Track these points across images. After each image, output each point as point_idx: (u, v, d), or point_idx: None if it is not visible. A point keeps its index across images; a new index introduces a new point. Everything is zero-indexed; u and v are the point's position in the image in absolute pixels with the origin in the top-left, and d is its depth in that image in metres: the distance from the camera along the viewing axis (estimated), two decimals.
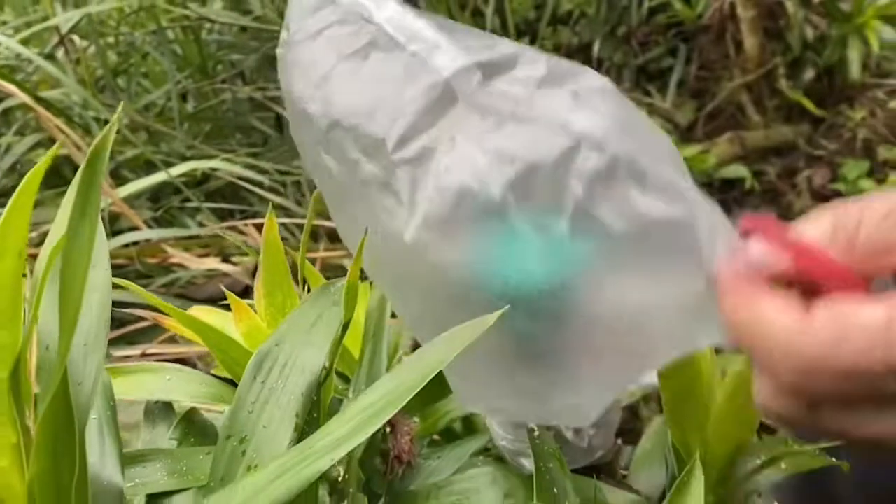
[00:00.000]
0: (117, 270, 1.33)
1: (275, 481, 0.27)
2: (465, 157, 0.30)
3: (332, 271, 1.28)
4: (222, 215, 1.62)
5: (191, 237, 1.38)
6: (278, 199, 1.47)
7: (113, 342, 1.10)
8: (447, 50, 0.31)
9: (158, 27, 1.83)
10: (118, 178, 1.51)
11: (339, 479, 0.42)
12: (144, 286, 1.26)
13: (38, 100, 1.37)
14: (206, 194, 1.59)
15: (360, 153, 0.32)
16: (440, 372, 0.50)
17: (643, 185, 0.28)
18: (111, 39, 1.93)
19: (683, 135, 2.08)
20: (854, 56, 1.99)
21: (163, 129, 1.70)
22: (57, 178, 1.34)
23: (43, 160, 0.25)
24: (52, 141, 1.40)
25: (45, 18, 1.72)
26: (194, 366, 0.78)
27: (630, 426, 1.32)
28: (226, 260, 1.36)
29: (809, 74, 2.09)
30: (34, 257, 0.25)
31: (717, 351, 0.44)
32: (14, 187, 0.24)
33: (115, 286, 0.30)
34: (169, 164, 1.44)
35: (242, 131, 1.91)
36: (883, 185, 1.96)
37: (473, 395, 0.43)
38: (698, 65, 2.22)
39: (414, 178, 0.31)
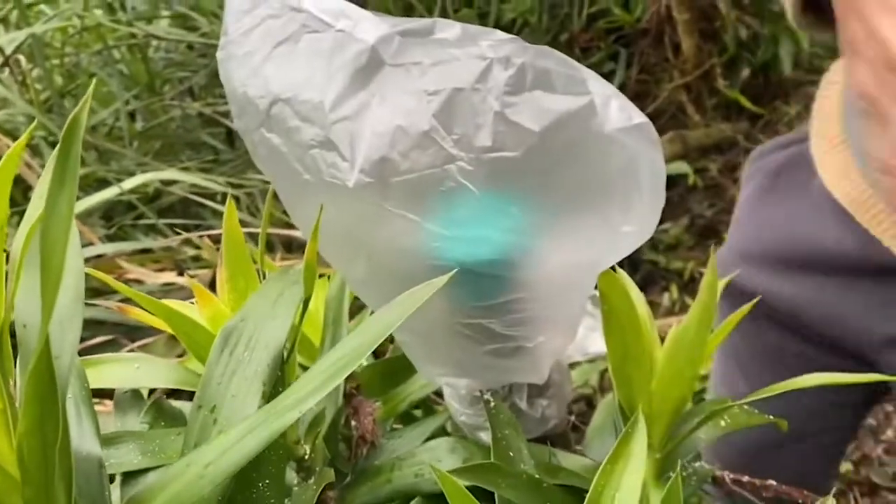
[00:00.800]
0: None
1: (244, 437, 0.29)
2: (395, 104, 0.33)
3: None
4: (176, 230, 1.61)
5: (145, 251, 1.38)
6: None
7: None
8: (370, 22, 0.34)
9: (104, 46, 1.83)
10: None
11: (306, 457, 0.44)
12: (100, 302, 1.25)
13: None
14: (159, 210, 1.59)
15: (300, 120, 0.35)
16: (401, 358, 0.53)
17: (550, 87, 0.32)
18: (56, 61, 1.92)
19: None
20: (786, 54, 2.07)
21: (112, 148, 1.70)
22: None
23: (6, 157, 0.26)
24: None
25: None
26: None
27: (588, 419, 1.36)
28: (181, 273, 1.36)
29: (745, 73, 2.17)
30: None
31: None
32: None
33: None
34: (120, 182, 1.45)
35: (193, 147, 1.91)
36: None
37: (430, 364, 0.46)
38: (639, 68, 2.28)
39: (352, 132, 0.33)
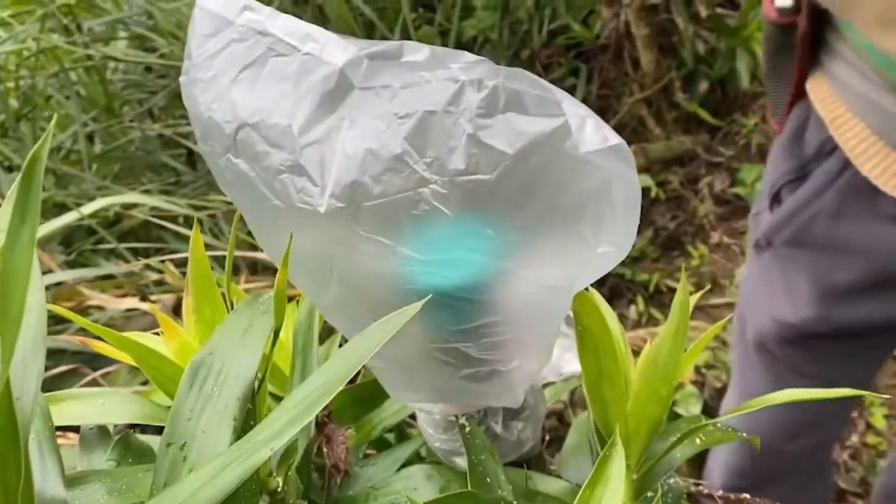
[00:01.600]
0: None
1: (217, 476, 0.28)
2: (365, 127, 0.32)
3: None
4: (137, 255, 1.59)
5: (106, 277, 1.36)
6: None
7: None
8: (338, 45, 0.34)
9: (61, 69, 1.80)
10: None
11: (279, 489, 0.43)
12: (61, 331, 1.23)
13: None
14: (120, 235, 1.57)
15: (269, 145, 0.34)
16: (372, 383, 0.52)
17: (523, 109, 0.31)
18: (11, 84, 1.88)
19: None
20: (743, 67, 2.11)
21: (71, 172, 1.67)
22: None
23: None
24: None
25: None
26: None
27: (560, 434, 1.35)
28: (144, 298, 1.34)
29: (703, 86, 2.20)
30: None
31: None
32: None
33: None
34: (79, 206, 1.42)
35: (153, 169, 1.88)
36: None
37: (405, 391, 0.45)
38: (599, 83, 2.30)
39: (322, 156, 0.33)
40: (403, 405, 0.54)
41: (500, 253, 0.33)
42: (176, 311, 1.32)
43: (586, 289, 0.42)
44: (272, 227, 0.36)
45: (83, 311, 1.32)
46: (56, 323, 1.35)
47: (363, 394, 0.55)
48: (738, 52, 2.14)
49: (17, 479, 0.24)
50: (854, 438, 1.62)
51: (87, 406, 0.40)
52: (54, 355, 1.09)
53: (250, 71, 0.35)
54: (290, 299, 0.52)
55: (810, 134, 0.80)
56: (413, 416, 0.55)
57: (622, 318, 1.86)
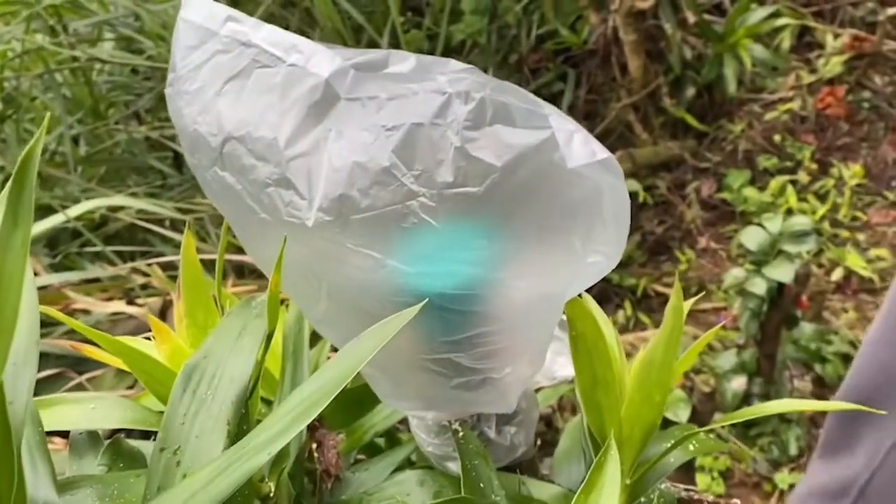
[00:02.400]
0: None
1: (211, 482, 0.27)
2: (352, 139, 0.32)
3: None
4: (124, 258, 1.58)
5: (92, 280, 1.35)
6: (180, 237, 1.45)
7: None
8: (324, 56, 0.34)
9: (46, 70, 1.78)
10: None
11: (271, 494, 0.43)
12: (45, 335, 1.21)
13: None
14: (106, 238, 1.55)
15: (255, 158, 0.34)
16: (363, 387, 0.52)
17: (511, 121, 0.31)
18: None
19: None
20: (730, 73, 2.12)
21: (56, 174, 1.65)
22: None
23: None
24: None
25: None
26: None
27: (548, 438, 1.35)
28: (131, 302, 1.33)
29: (691, 92, 2.21)
30: None
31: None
32: None
33: None
34: (65, 209, 1.41)
35: (139, 172, 1.87)
36: (764, 192, 2.09)
37: (398, 399, 0.45)
38: (587, 88, 2.31)
39: (309, 169, 0.33)
40: (394, 410, 0.54)
41: (489, 264, 0.33)
42: (163, 314, 1.30)
43: (580, 295, 0.42)
44: (260, 239, 0.36)
45: (69, 314, 1.31)
46: (42, 325, 1.33)
47: (354, 398, 0.54)
48: (726, 59, 2.15)
49: (10, 484, 0.24)
50: None
51: (77, 411, 0.40)
52: (39, 359, 1.08)
53: (235, 83, 0.35)
54: (281, 302, 0.52)
55: None
56: (404, 421, 0.54)
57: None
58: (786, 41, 2.29)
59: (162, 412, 0.35)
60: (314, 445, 0.50)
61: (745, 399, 1.46)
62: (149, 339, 0.42)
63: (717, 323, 1.81)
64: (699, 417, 1.16)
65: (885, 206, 2.07)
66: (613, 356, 0.46)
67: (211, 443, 0.32)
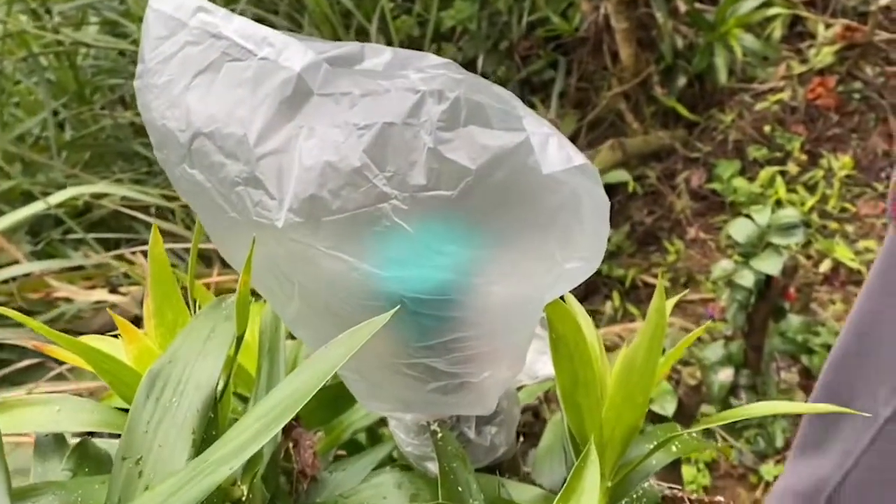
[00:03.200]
0: None
1: (172, 496, 0.26)
2: (324, 137, 0.31)
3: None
4: (108, 245, 1.56)
5: (75, 268, 1.33)
6: (166, 225, 1.43)
7: None
8: (296, 49, 0.32)
9: (30, 54, 1.75)
10: None
11: (244, 498, 0.42)
12: (23, 326, 1.20)
13: None
14: (90, 225, 1.53)
15: (224, 156, 0.33)
16: (342, 384, 0.51)
17: (486, 122, 0.30)
18: None
19: None
20: (720, 63, 2.11)
21: (39, 160, 1.63)
22: None
23: None
24: None
25: None
26: None
27: (535, 429, 1.35)
28: (114, 290, 1.31)
29: (682, 81, 2.20)
30: None
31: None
32: None
33: None
34: (47, 195, 1.39)
35: (125, 158, 1.85)
36: (754, 183, 2.08)
37: (374, 401, 0.44)
38: (578, 76, 2.30)
39: (279, 167, 0.32)
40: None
41: (465, 269, 0.32)
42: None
43: (561, 296, 0.41)
44: (231, 238, 0.35)
45: (51, 302, 1.29)
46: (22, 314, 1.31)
47: (333, 395, 0.53)
48: (716, 48, 2.14)
49: None
50: None
51: (41, 413, 0.39)
52: (18, 349, 1.06)
53: (205, 76, 0.34)
54: (257, 297, 0.51)
55: None
56: (385, 419, 0.53)
57: (597, 314, 1.86)
58: (777, 31, 2.28)
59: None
60: (290, 444, 0.49)
61: (732, 391, 1.46)
62: (117, 336, 0.40)
63: (705, 314, 1.81)
64: (686, 410, 1.15)
65: (874, 198, 2.07)
66: (595, 357, 0.45)
67: (175, 453, 0.31)
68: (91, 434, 0.42)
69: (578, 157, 0.30)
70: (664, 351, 0.48)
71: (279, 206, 0.32)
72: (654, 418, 1.18)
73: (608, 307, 1.87)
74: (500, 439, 0.51)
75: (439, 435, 0.45)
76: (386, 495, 0.44)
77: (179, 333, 0.35)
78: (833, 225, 2.02)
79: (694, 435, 0.50)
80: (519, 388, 0.56)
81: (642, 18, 2.18)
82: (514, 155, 0.30)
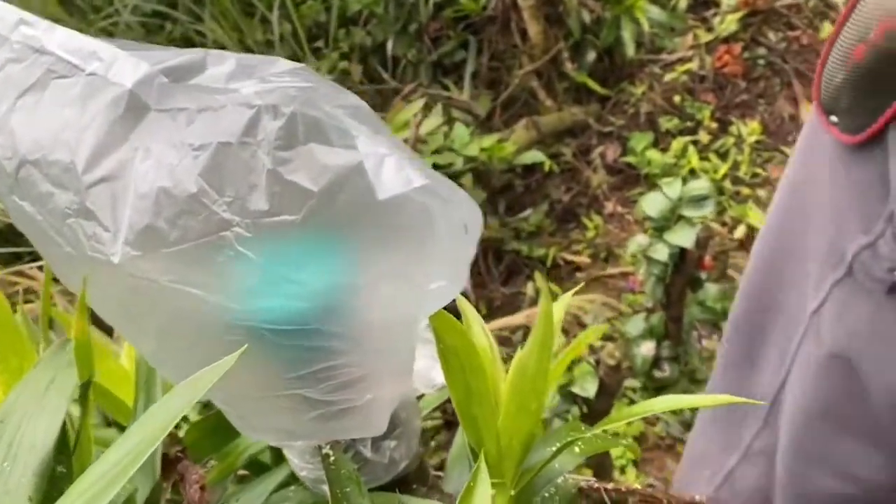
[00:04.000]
0: None
1: None
2: (159, 159, 0.28)
3: None
4: (7, 260, 1.49)
5: None
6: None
7: None
8: (127, 63, 0.29)
9: None
10: None
11: None
12: None
13: None
14: None
15: (52, 185, 0.29)
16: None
17: (325, 139, 0.28)
18: None
19: (483, 125, 2.13)
20: (628, 35, 2.12)
21: None
22: None
23: None
24: None
25: None
26: None
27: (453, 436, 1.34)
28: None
29: (591, 56, 2.21)
30: None
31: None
32: None
33: None
34: None
35: None
36: (667, 154, 2.11)
37: (256, 432, 0.41)
38: (489, 56, 2.28)
39: (113, 195, 0.29)
40: None
41: (323, 297, 0.30)
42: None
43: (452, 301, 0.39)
44: (72, 275, 0.32)
45: None
46: None
47: (222, 422, 0.50)
48: (623, 21, 2.15)
49: None
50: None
51: None
52: None
53: (30, 96, 0.30)
54: None
55: None
56: None
57: (520, 294, 1.85)
58: (682, 1, 2.30)
59: None
60: (177, 478, 0.46)
61: (655, 363, 1.47)
62: None
63: (626, 287, 1.82)
64: (608, 388, 1.16)
65: (783, 161, 2.12)
66: (488, 365, 0.43)
67: None
68: None
69: (418, 179, 0.28)
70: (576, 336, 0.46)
71: (114, 239, 0.29)
72: (577, 400, 1.18)
73: (530, 288, 1.87)
74: (401, 453, 0.49)
75: (331, 458, 0.43)
76: None
77: (15, 387, 0.31)
78: (745, 190, 2.06)
79: (598, 432, 0.49)
80: (419, 398, 0.54)
81: None
82: (355, 174, 0.27)
